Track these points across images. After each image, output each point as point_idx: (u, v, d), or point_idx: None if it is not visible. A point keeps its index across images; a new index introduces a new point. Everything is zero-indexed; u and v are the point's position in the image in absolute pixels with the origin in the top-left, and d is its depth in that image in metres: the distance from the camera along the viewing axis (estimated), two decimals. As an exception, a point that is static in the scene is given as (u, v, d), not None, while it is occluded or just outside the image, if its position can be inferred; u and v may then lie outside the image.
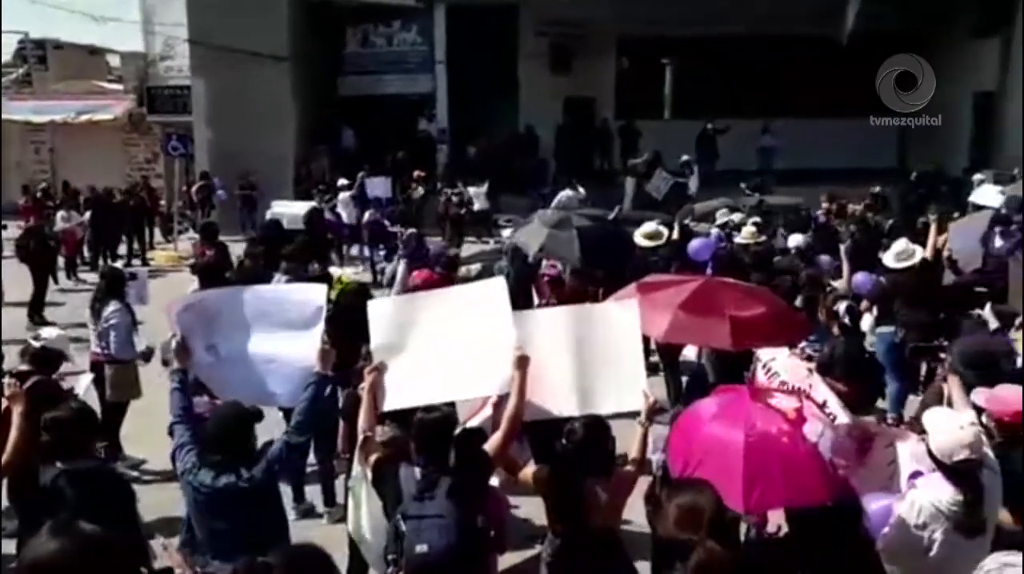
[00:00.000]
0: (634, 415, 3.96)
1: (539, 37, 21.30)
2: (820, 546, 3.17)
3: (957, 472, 3.28)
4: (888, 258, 7.95)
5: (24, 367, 5.45)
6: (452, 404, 3.93)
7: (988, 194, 12.81)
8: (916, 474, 3.58)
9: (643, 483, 3.91)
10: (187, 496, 3.81)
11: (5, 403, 4.35)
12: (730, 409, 3.63)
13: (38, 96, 24.10)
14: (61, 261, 13.95)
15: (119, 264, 13.40)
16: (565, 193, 15.65)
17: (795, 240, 10.00)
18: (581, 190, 15.73)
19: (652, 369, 6.85)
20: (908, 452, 3.69)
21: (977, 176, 15.52)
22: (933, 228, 9.17)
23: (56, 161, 23.48)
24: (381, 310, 4.09)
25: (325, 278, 6.98)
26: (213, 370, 4.22)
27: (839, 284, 7.95)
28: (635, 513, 3.89)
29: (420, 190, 17.04)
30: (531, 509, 4.66)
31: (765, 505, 3.34)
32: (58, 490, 3.59)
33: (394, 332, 3.94)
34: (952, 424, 3.41)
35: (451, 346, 3.88)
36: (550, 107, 21.52)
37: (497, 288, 4.06)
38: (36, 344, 5.64)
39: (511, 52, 21.11)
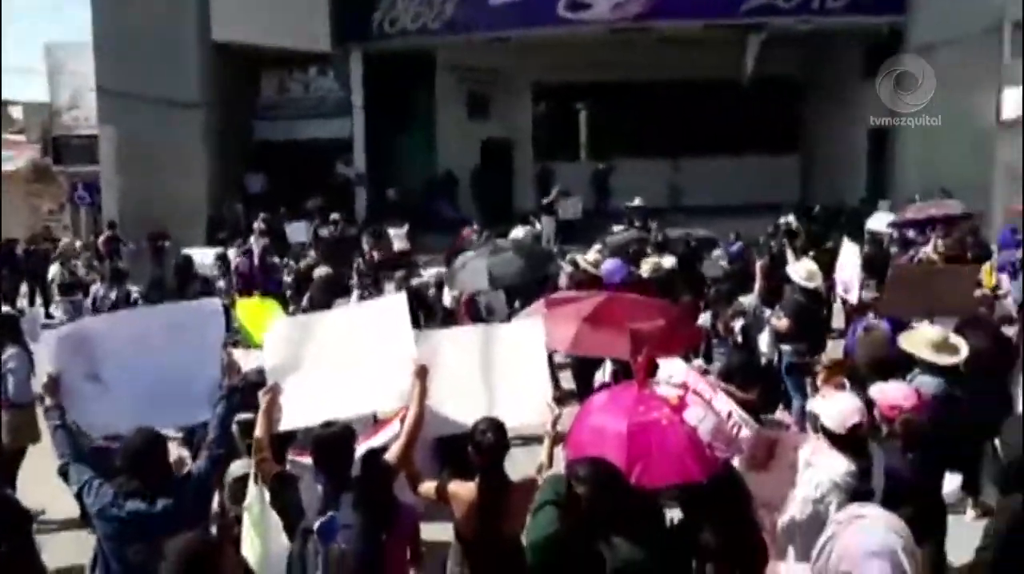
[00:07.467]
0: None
1: (457, 83, 21.66)
2: (705, 525, 3.31)
3: (849, 441, 3.57)
4: (798, 276, 7.97)
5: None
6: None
7: (880, 221, 13.86)
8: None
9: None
10: (105, 530, 3.60)
11: None
12: (618, 399, 3.82)
13: (-63, 148, 23.22)
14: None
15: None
16: (518, 230, 15.74)
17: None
18: (538, 225, 15.91)
19: (570, 395, 7.01)
20: (808, 451, 3.91)
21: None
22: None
23: (-44, 213, 22.57)
24: (277, 332, 4.06)
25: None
26: (96, 402, 3.95)
27: (748, 299, 8.15)
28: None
29: (326, 229, 16.87)
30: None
31: (643, 483, 3.46)
32: None
33: (289, 352, 3.90)
34: (837, 400, 3.83)
35: (349, 362, 3.85)
36: (468, 150, 21.82)
37: (396, 304, 4.07)
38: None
39: (428, 96, 21.37)
